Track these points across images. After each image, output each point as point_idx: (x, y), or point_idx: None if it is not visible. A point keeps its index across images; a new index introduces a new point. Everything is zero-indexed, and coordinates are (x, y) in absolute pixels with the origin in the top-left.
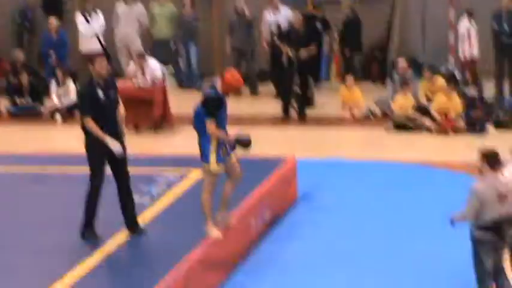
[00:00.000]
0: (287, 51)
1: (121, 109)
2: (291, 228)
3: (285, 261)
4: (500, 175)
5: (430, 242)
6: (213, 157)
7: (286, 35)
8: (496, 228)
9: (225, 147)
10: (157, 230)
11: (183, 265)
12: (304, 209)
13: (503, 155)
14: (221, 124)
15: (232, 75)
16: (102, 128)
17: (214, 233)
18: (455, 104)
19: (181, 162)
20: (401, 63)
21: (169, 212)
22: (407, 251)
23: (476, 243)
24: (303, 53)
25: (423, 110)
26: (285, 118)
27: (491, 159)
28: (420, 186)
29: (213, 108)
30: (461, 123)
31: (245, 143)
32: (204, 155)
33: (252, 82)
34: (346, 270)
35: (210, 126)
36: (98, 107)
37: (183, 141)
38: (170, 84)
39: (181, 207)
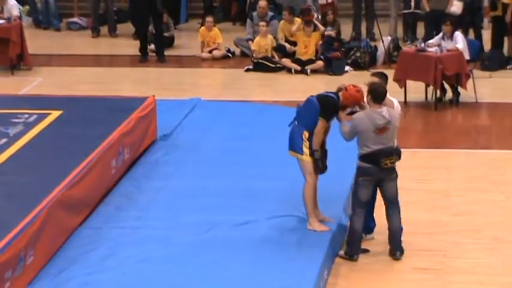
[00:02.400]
0: None
1: None
2: (150, 168)
3: (145, 201)
4: (381, 109)
5: (291, 179)
6: (306, 149)
7: None
8: (373, 157)
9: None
10: (15, 171)
11: (40, 207)
12: (163, 148)
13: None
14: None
15: (357, 89)
16: None
17: (321, 227)
18: (314, 38)
19: (39, 102)
20: (261, 3)
21: (26, 153)
22: (265, 189)
23: (357, 171)
24: None
25: (282, 51)
26: (142, 59)
27: (377, 93)
28: (279, 127)
29: (331, 112)
30: (320, 63)
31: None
32: (297, 145)
33: (110, 22)
34: (204, 208)
35: (320, 128)
36: None
37: (40, 81)
38: (27, 24)
39: (39, 148)
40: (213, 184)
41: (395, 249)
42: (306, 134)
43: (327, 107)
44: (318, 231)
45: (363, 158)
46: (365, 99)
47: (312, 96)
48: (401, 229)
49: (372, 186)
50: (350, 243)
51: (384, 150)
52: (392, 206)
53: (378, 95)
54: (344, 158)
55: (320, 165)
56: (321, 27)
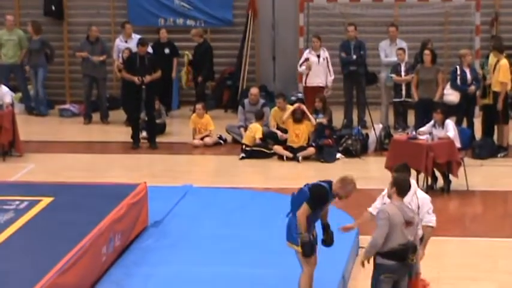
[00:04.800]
0: (130, 77)
1: None
2: (141, 255)
3: None
4: (404, 202)
5: (283, 267)
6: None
7: (131, 62)
8: (401, 254)
9: (313, 235)
10: (5, 258)
11: None
12: (154, 235)
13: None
14: (314, 218)
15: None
16: None
17: None
18: (305, 128)
19: (30, 189)
20: (253, 91)
21: (17, 240)
22: (257, 276)
23: (378, 268)
24: (147, 78)
25: (274, 138)
26: (134, 145)
27: (401, 186)
28: (271, 213)
29: (317, 202)
30: (312, 150)
31: (308, 250)
32: (292, 236)
33: (102, 109)
34: None
35: (303, 211)
36: None
37: (32, 168)
38: (19, 111)
39: (30, 235)
40: (204, 271)
41: None
42: (302, 226)
43: (315, 195)
44: None
45: (386, 255)
46: (390, 190)
47: (305, 185)
48: None
49: (392, 283)
50: None
51: (410, 246)
52: None
53: (403, 188)
54: (335, 243)
55: (307, 249)
56: (313, 121)
